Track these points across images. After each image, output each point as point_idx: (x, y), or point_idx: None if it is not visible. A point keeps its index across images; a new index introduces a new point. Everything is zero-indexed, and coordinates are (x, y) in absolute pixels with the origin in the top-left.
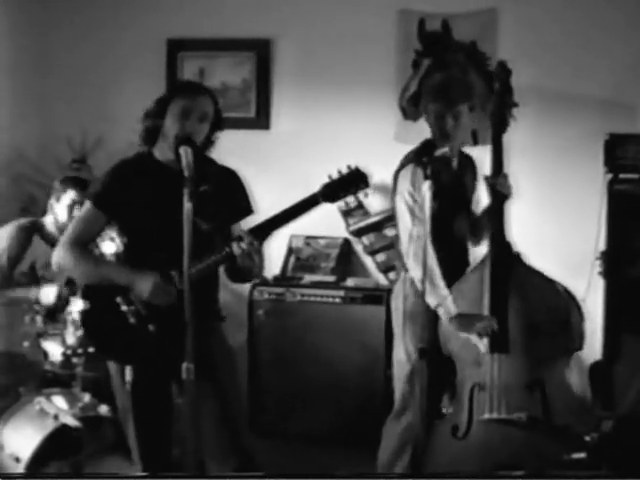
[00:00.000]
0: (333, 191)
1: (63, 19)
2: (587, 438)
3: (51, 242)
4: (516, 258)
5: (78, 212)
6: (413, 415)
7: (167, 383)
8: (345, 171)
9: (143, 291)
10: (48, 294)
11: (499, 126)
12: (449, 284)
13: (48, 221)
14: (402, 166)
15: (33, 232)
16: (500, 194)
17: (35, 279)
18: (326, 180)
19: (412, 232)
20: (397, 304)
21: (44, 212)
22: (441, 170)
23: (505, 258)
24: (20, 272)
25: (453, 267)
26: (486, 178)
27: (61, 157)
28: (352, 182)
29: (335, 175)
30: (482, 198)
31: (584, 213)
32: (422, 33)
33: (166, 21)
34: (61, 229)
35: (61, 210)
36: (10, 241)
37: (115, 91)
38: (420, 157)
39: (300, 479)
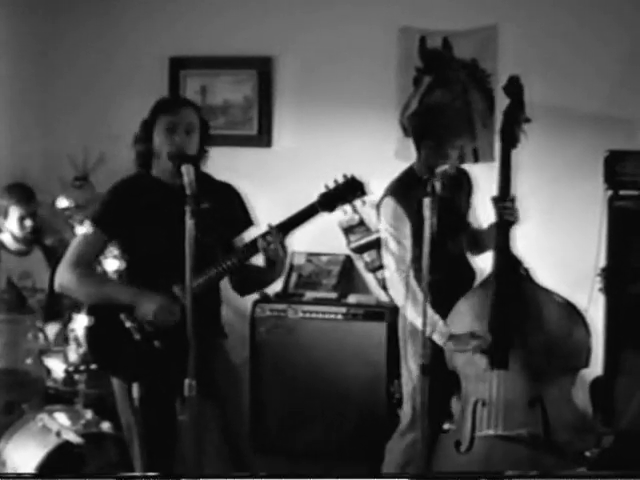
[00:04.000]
0: (330, 200)
1: (65, 37)
2: (587, 454)
3: (17, 253)
4: (523, 274)
5: (29, 223)
6: (417, 432)
7: (172, 400)
8: (341, 180)
9: (148, 312)
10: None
11: (509, 142)
12: (452, 301)
13: (6, 238)
14: (382, 198)
15: None
16: (506, 221)
17: (16, 292)
18: (323, 190)
19: (396, 264)
20: (400, 322)
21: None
22: (426, 192)
23: (510, 274)
24: (0, 290)
25: (454, 284)
26: (494, 200)
27: (64, 175)
28: (349, 190)
29: (332, 184)
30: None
31: (584, 229)
32: (423, 50)
33: (168, 39)
34: (24, 240)
35: (13, 225)
36: None
37: (117, 109)
38: (398, 188)
39: (299, 479)
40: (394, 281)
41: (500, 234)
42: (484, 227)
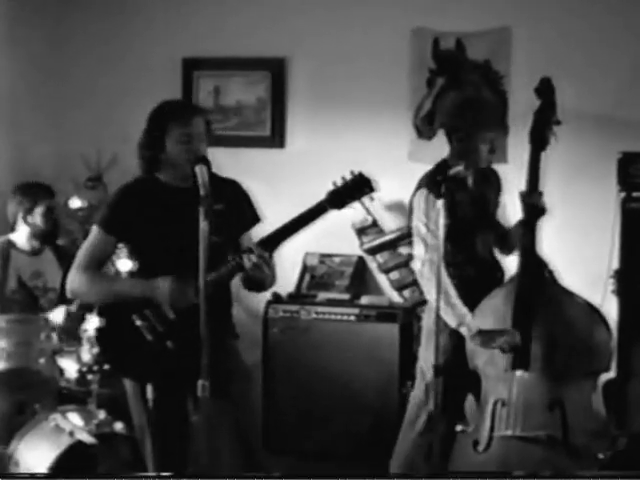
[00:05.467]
0: (339, 197)
1: (78, 37)
2: (601, 456)
3: (29, 252)
4: (547, 276)
5: (54, 217)
6: (426, 423)
7: (184, 400)
8: (349, 177)
9: (163, 294)
10: (57, 315)
11: (538, 144)
12: (477, 300)
13: (20, 235)
14: (415, 190)
15: (9, 249)
16: (534, 210)
17: (28, 292)
18: (331, 187)
19: (426, 255)
20: (425, 317)
21: (12, 228)
22: (456, 189)
23: (534, 275)
24: (10, 290)
25: (480, 283)
26: (521, 195)
27: (77, 176)
28: (357, 187)
29: (340, 182)
30: (510, 211)
31: (597, 231)
32: (436, 52)
33: (182, 40)
34: (41, 236)
35: (39, 219)
36: None
37: (130, 110)
38: (431, 180)
39: (299, 479)
40: (424, 273)
41: (526, 233)
42: (512, 225)
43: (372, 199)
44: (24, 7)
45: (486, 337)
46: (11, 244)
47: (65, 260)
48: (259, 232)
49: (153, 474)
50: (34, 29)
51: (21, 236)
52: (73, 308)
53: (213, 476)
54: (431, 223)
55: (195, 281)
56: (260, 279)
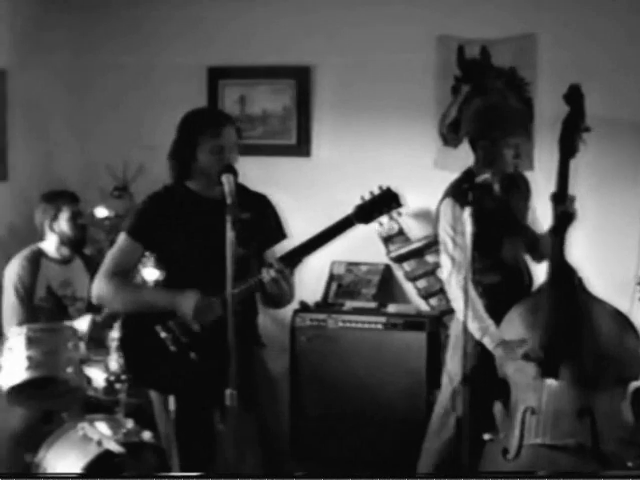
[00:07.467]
0: (366, 212)
1: (104, 47)
2: (630, 464)
3: (59, 261)
4: (577, 284)
5: (80, 222)
6: (452, 430)
7: (209, 410)
8: (377, 191)
9: (188, 309)
10: (82, 323)
11: (568, 151)
12: (505, 307)
13: (49, 243)
14: (442, 199)
15: (39, 257)
16: (565, 217)
17: (57, 300)
18: (359, 202)
19: (453, 270)
20: (453, 326)
21: (41, 237)
22: (483, 196)
23: (564, 283)
24: (39, 298)
25: (507, 290)
26: (552, 199)
27: (103, 185)
28: (384, 202)
29: (367, 196)
30: (540, 217)
31: (627, 238)
32: (461, 59)
33: (207, 49)
34: (69, 243)
35: (64, 226)
36: (20, 272)
37: (156, 119)
38: (457, 189)
39: (300, 479)
40: (451, 282)
41: (555, 240)
42: (543, 232)
43: (400, 214)
44: (50, 18)
45: (508, 348)
46: (41, 252)
47: (93, 269)
48: (284, 243)
49: (178, 474)
50: (61, 40)
51: (50, 244)
52: (99, 317)
53: (236, 476)
54: (458, 237)
55: (221, 294)
56: (277, 295)
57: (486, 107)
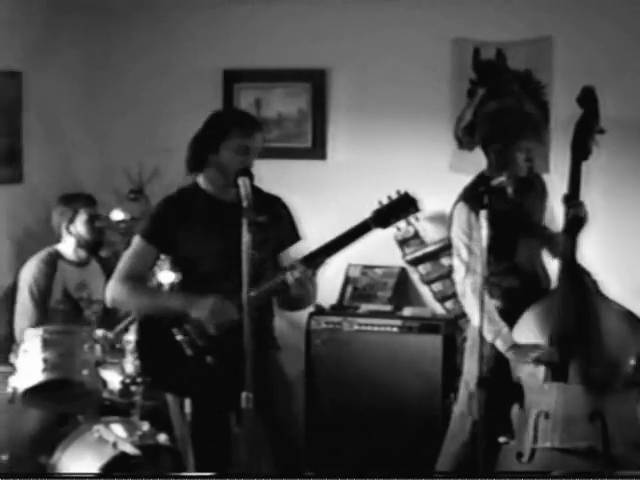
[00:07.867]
0: (384, 216)
1: (119, 50)
2: None
3: (76, 263)
4: (590, 285)
5: (97, 224)
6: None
7: (225, 413)
8: (395, 196)
9: (203, 313)
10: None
11: (580, 153)
12: (521, 310)
13: (66, 246)
14: (455, 203)
15: (55, 260)
16: (576, 220)
17: (73, 303)
18: (377, 206)
19: (466, 270)
20: (469, 332)
21: (58, 239)
22: (496, 199)
23: (576, 285)
24: (55, 300)
25: (524, 293)
26: (564, 202)
27: (119, 188)
28: (402, 207)
29: (385, 201)
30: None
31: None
32: (477, 62)
33: (222, 52)
34: (86, 245)
35: (81, 228)
36: (36, 274)
37: (171, 122)
38: (471, 193)
39: (302, 479)
40: (465, 287)
41: (567, 241)
42: (559, 231)
43: (417, 219)
44: (65, 20)
45: (520, 351)
46: (58, 255)
47: (109, 272)
48: (300, 246)
49: (193, 474)
50: (76, 42)
51: (68, 247)
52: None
53: (251, 476)
54: (472, 244)
55: (237, 298)
56: (301, 297)
57: (498, 111)
